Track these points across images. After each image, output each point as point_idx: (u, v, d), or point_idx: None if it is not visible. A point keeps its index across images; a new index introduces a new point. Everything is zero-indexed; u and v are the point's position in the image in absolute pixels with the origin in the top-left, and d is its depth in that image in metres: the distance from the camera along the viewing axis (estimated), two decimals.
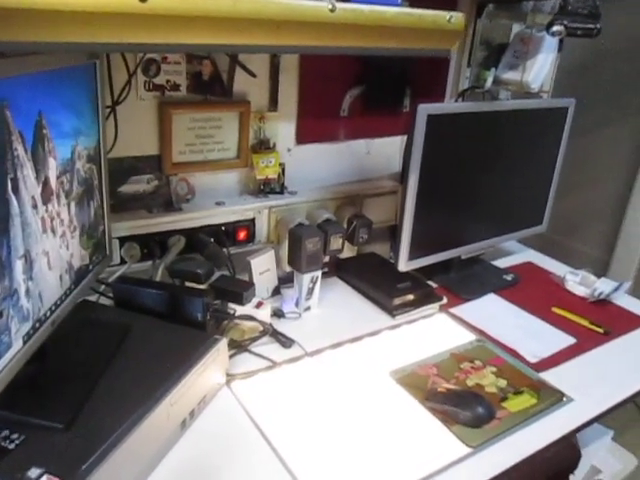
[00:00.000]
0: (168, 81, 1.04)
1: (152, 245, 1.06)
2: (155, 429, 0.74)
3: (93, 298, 1.02)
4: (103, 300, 1.03)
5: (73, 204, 0.80)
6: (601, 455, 1.29)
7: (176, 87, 1.05)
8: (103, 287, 1.02)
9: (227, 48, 0.58)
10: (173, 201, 1.11)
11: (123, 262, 1.06)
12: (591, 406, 0.95)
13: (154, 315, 0.94)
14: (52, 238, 0.73)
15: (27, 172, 0.65)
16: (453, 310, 1.21)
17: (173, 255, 1.07)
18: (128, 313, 0.94)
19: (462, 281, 1.32)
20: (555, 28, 1.04)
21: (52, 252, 0.73)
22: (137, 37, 0.54)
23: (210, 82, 1.08)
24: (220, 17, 0.57)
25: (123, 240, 1.05)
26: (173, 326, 0.92)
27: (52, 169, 0.72)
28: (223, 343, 0.90)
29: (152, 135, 1.07)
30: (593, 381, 1.01)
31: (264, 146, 1.19)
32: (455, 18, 0.75)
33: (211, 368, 0.87)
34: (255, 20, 0.59)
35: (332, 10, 0.64)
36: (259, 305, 1.04)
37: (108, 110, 0.98)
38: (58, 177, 0.74)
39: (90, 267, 0.89)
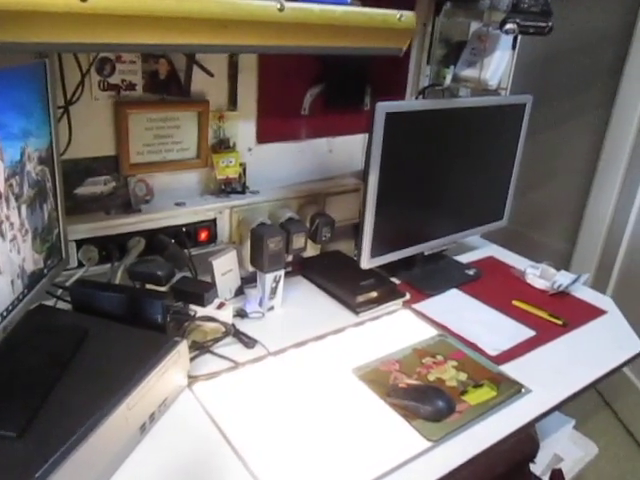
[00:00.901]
0: (123, 80, 1.02)
1: (110, 247, 1.05)
2: (113, 434, 0.73)
3: (51, 302, 1.00)
4: (61, 304, 1.01)
5: (24, 207, 0.78)
6: (563, 443, 1.32)
7: (132, 86, 1.03)
8: (60, 291, 1.00)
9: (173, 48, 0.58)
10: (132, 202, 1.09)
11: (81, 265, 1.04)
12: (549, 397, 0.97)
13: (113, 319, 0.93)
14: (1, 242, 0.72)
15: None
16: (416, 306, 1.22)
17: (133, 257, 1.05)
18: (86, 317, 0.93)
19: (425, 277, 1.33)
20: (508, 26, 1.06)
21: (2, 256, 0.72)
22: (79, 37, 0.53)
23: (167, 81, 1.07)
24: (164, 16, 0.57)
25: (80, 243, 1.03)
26: (133, 329, 0.91)
27: None
28: (183, 345, 0.89)
29: (108, 136, 1.05)
30: (551, 372, 1.04)
31: (224, 146, 1.18)
32: (406, 17, 0.75)
33: (171, 370, 0.86)
34: (201, 19, 0.59)
35: (281, 9, 0.64)
36: (221, 306, 1.03)
37: (61, 110, 0.96)
38: (7, 180, 0.72)
39: (45, 271, 0.87)
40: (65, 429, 0.69)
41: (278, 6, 0.64)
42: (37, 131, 0.82)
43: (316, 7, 0.67)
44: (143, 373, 0.80)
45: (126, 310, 0.94)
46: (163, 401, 0.86)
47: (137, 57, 1.01)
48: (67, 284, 1.00)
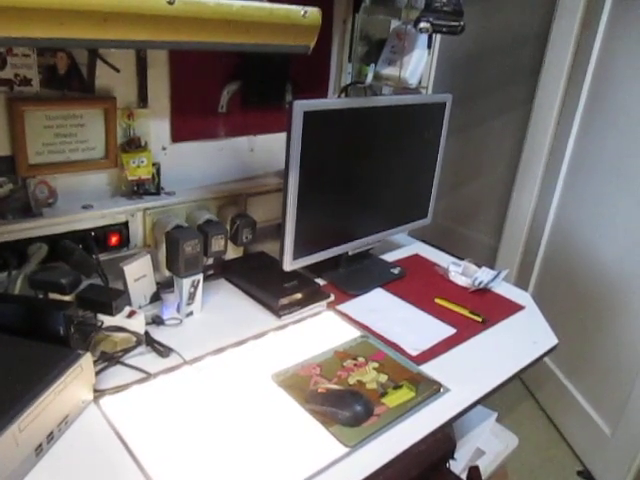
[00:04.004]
0: (17, 75, 0.95)
1: (7, 255, 0.97)
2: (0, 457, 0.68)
3: None
4: None
5: None
6: (485, 437, 1.35)
7: (27, 82, 0.96)
8: None
9: (42, 42, 0.52)
10: (32, 206, 1.02)
11: None
12: (466, 395, 0.98)
13: (10, 332, 0.86)
14: None
15: None
16: (340, 307, 1.21)
17: (33, 265, 0.98)
18: None
19: (350, 277, 1.32)
20: (422, 25, 1.06)
21: None
22: None
23: (67, 76, 1.00)
24: (35, 8, 0.52)
25: None
26: (31, 343, 0.84)
27: None
28: (87, 358, 0.84)
29: (2, 134, 0.97)
30: (470, 369, 1.05)
31: (135, 145, 1.12)
32: (310, 13, 0.73)
33: (73, 385, 0.81)
34: (77, 12, 0.54)
35: (170, 3, 0.60)
36: (131, 314, 0.98)
37: None
38: None
39: None
40: None
41: None
42: None
43: (211, 1, 0.63)
44: (38, 391, 0.75)
45: (24, 322, 0.88)
46: (64, 419, 0.80)
47: (31, 50, 0.94)
48: None
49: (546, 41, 2.05)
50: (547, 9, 2.13)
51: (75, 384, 0.81)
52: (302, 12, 0.72)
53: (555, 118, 2.04)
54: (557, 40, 2.00)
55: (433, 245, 1.60)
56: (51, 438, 0.78)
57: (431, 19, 1.05)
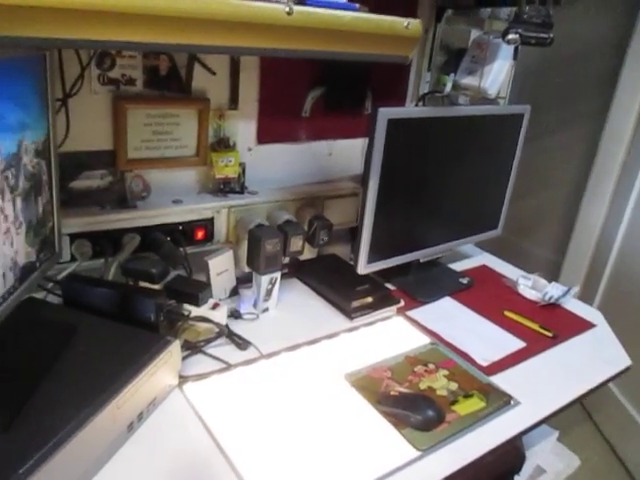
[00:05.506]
0: (123, 75, 1.01)
1: (104, 243, 1.03)
2: (99, 433, 0.73)
3: (41, 295, 0.99)
4: (52, 298, 1.00)
5: (19, 200, 0.77)
6: (546, 455, 1.32)
7: (132, 81, 1.02)
8: (52, 285, 0.99)
9: (179, 48, 0.57)
10: (127, 198, 1.08)
11: (74, 260, 1.02)
12: (537, 409, 0.97)
13: (105, 315, 0.92)
14: None
15: None
16: (409, 313, 1.22)
17: (127, 253, 1.04)
18: (77, 312, 0.92)
19: (419, 284, 1.33)
20: (510, 36, 1.05)
21: None
22: (83, 33, 0.53)
23: (167, 78, 1.06)
24: (173, 16, 0.56)
25: (74, 237, 1.01)
26: (124, 327, 0.90)
27: None
28: (176, 345, 0.89)
29: (106, 130, 1.04)
30: (540, 384, 1.04)
31: (224, 145, 1.17)
32: (412, 25, 0.75)
33: (162, 370, 0.86)
34: (209, 20, 0.58)
35: (289, 13, 0.63)
36: (215, 306, 1.03)
37: (59, 103, 0.95)
38: (2, 172, 0.71)
39: (37, 264, 0.86)
40: (51, 426, 0.68)
41: (287, 10, 0.63)
42: (34, 124, 0.81)
43: (325, 12, 0.67)
44: (133, 372, 0.80)
45: (118, 307, 0.93)
46: (152, 400, 0.85)
47: (138, 52, 1.00)
48: (59, 278, 0.99)
49: (623, 51, 1.99)
50: (626, 17, 2.06)
51: (164, 369, 0.86)
52: (405, 24, 0.75)
53: (631, 132, 1.97)
54: (637, 50, 1.94)
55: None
56: (141, 417, 0.83)
57: (520, 30, 1.05)
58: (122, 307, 0.93)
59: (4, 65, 0.70)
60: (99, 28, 0.52)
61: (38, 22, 0.52)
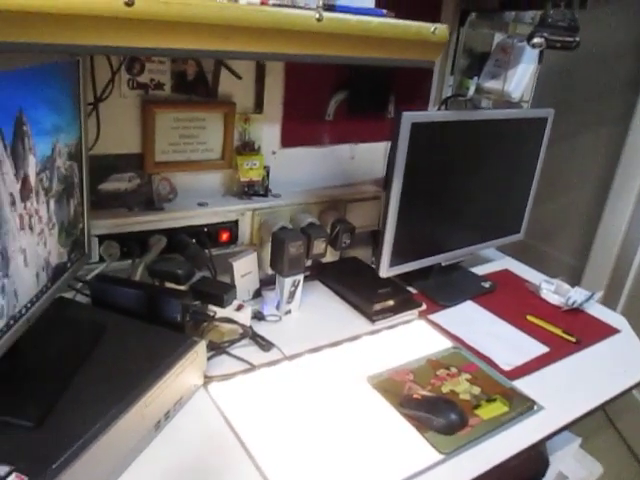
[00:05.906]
0: (152, 80, 1.03)
1: (132, 244, 1.06)
2: (128, 430, 0.74)
3: (70, 295, 1.01)
4: (80, 298, 1.02)
5: (52, 201, 0.79)
6: (568, 462, 1.31)
7: (160, 86, 1.04)
8: (80, 285, 1.01)
9: (213, 54, 0.58)
10: (154, 200, 1.10)
11: (102, 260, 1.05)
12: (561, 415, 0.97)
13: (132, 315, 0.94)
14: (30, 235, 0.73)
15: (6, 169, 0.65)
16: (431, 316, 1.22)
17: (154, 255, 1.06)
18: (105, 312, 0.94)
19: (441, 288, 1.33)
20: (535, 40, 1.05)
21: (29, 249, 0.73)
22: (119, 40, 0.54)
23: (194, 82, 1.08)
24: (207, 23, 0.57)
25: (102, 238, 1.04)
26: (151, 327, 0.91)
27: (32, 166, 0.72)
28: (202, 345, 0.90)
29: (135, 133, 1.06)
30: (564, 390, 1.03)
31: (248, 148, 1.18)
32: (439, 30, 0.76)
33: (188, 370, 0.87)
34: (241, 27, 0.59)
35: (319, 20, 0.65)
36: (239, 308, 1.04)
37: (90, 107, 0.97)
38: (37, 174, 0.74)
39: (68, 265, 0.88)
40: (82, 423, 0.69)
41: (317, 16, 0.64)
42: (67, 127, 0.83)
43: (353, 18, 0.67)
44: (161, 371, 0.81)
45: (145, 307, 0.95)
46: (178, 400, 0.86)
47: (166, 58, 1.02)
48: (87, 278, 1.01)
49: None
50: None
51: (190, 368, 0.88)
52: (432, 29, 0.75)
53: None
54: None
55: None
56: (167, 416, 0.84)
57: (545, 34, 1.04)
58: (149, 307, 0.95)
59: (40, 71, 0.73)
60: (139, 37, 0.54)
61: (75, 29, 0.53)
